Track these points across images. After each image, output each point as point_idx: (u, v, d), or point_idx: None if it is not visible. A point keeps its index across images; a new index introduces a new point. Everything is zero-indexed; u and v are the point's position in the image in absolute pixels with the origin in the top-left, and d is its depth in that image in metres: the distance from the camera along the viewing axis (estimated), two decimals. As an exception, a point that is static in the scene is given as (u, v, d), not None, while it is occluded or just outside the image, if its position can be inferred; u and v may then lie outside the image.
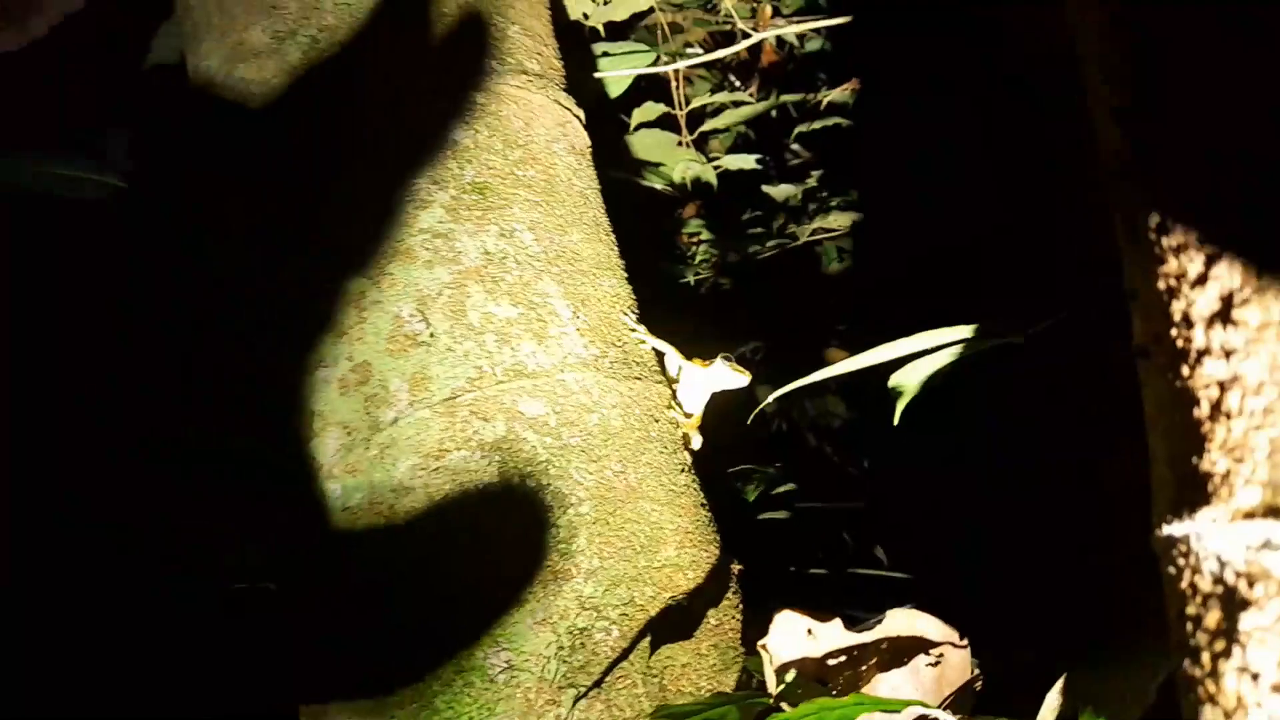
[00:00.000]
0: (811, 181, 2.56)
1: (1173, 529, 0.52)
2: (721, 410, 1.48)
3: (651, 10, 2.64)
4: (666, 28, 2.65)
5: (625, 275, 1.44)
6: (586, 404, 1.22)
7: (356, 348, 1.20)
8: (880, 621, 0.93)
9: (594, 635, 1.08)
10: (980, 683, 0.96)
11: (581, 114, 1.53)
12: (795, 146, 3.03)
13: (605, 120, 2.68)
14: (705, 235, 2.76)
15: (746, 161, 2.74)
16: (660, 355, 1.40)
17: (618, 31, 2.49)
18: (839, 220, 2.62)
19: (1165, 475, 0.54)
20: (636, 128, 2.63)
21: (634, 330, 1.36)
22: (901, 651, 0.91)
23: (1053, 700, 0.75)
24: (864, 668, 0.92)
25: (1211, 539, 0.49)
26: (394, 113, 1.30)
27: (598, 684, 1.05)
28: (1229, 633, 0.47)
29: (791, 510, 2.00)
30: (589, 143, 1.54)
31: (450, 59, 1.36)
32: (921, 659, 0.91)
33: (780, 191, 2.56)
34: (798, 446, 2.71)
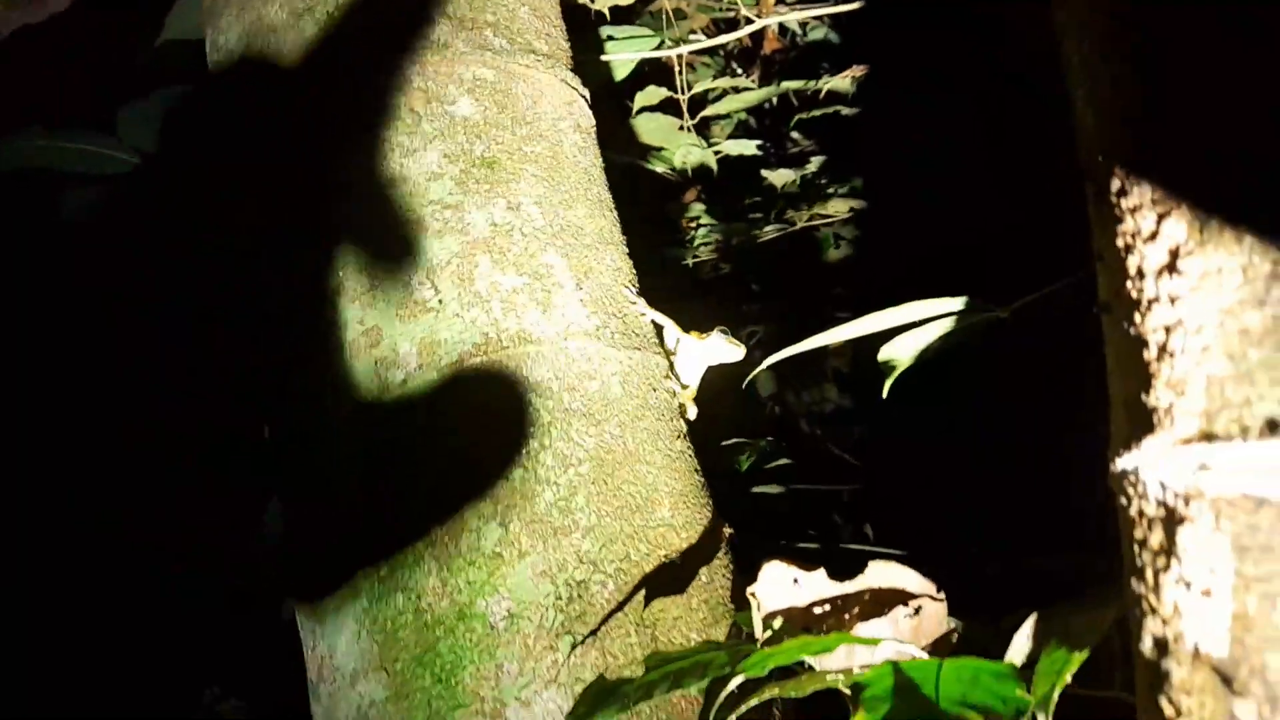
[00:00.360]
0: (811, 167, 2.61)
1: (1124, 462, 0.57)
2: (716, 387, 1.53)
3: (657, -4, 2.68)
4: (671, 13, 2.69)
5: (627, 251, 1.48)
6: (588, 371, 1.27)
7: (368, 313, 1.25)
8: (863, 573, 0.98)
9: (591, 588, 1.13)
10: (956, 635, 1.02)
11: (587, 94, 1.58)
12: (795, 135, 3.08)
13: (609, 103, 2.72)
14: (705, 219, 2.81)
15: (747, 147, 2.79)
16: (659, 328, 1.45)
17: (623, 16, 2.53)
18: (837, 207, 2.67)
19: (1120, 416, 0.59)
20: (639, 111, 2.67)
21: (634, 303, 1.41)
22: (882, 602, 0.96)
23: (1021, 641, 0.81)
24: (847, 616, 0.97)
25: (1155, 466, 0.54)
26: (408, 88, 1.34)
27: (594, 633, 1.10)
28: (1169, 550, 0.53)
29: (784, 484, 2.06)
30: (594, 122, 1.58)
31: (461, 38, 1.41)
32: (901, 610, 0.96)
33: (780, 176, 2.61)
34: (791, 432, 2.77)
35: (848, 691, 0.94)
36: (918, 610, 0.97)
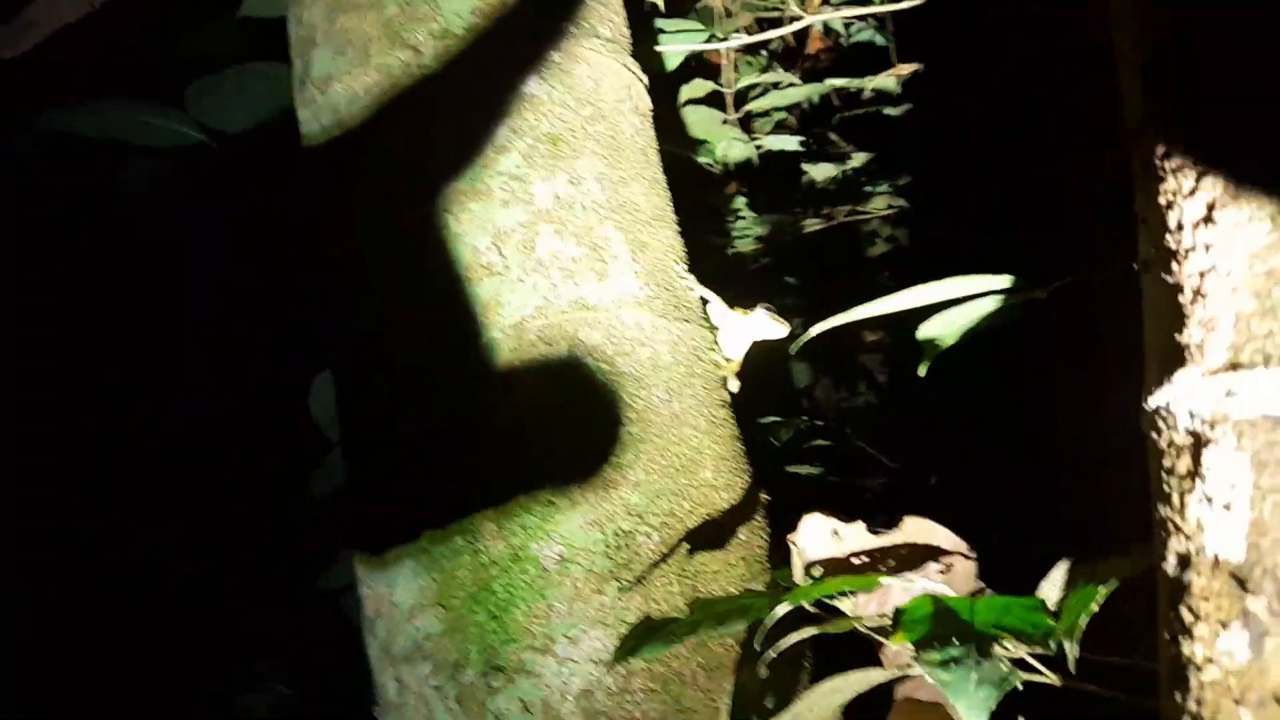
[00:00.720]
0: (855, 162, 2.66)
1: (1156, 399, 0.63)
2: (756, 368, 1.59)
3: (710, -10, 2.74)
4: (722, 8, 2.75)
5: (678, 229, 1.55)
6: (639, 338, 1.34)
7: (436, 274, 1.32)
8: (898, 528, 1.04)
9: (637, 539, 1.19)
10: (986, 594, 1.07)
11: (645, 79, 1.65)
12: (837, 136, 3.12)
13: (657, 95, 2.79)
14: (747, 212, 2.87)
15: (789, 143, 2.85)
16: (705, 303, 1.52)
17: (674, 8, 2.60)
18: (877, 205, 2.72)
19: (1154, 360, 0.65)
20: (685, 103, 2.74)
21: (684, 278, 1.48)
22: (917, 557, 1.02)
23: (1050, 586, 0.85)
24: (882, 568, 1.02)
25: (1186, 397, 0.60)
26: (480, 64, 1.41)
27: (639, 580, 1.17)
28: (1194, 472, 0.58)
29: (818, 465, 2.11)
30: (651, 106, 1.65)
31: (531, 19, 1.48)
32: (934, 565, 1.02)
33: (820, 171, 2.66)
34: (824, 425, 2.82)
35: (880, 638, 1.00)
36: (950, 566, 1.03)
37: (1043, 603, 0.80)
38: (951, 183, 2.64)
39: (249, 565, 2.70)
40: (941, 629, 0.75)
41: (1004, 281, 1.15)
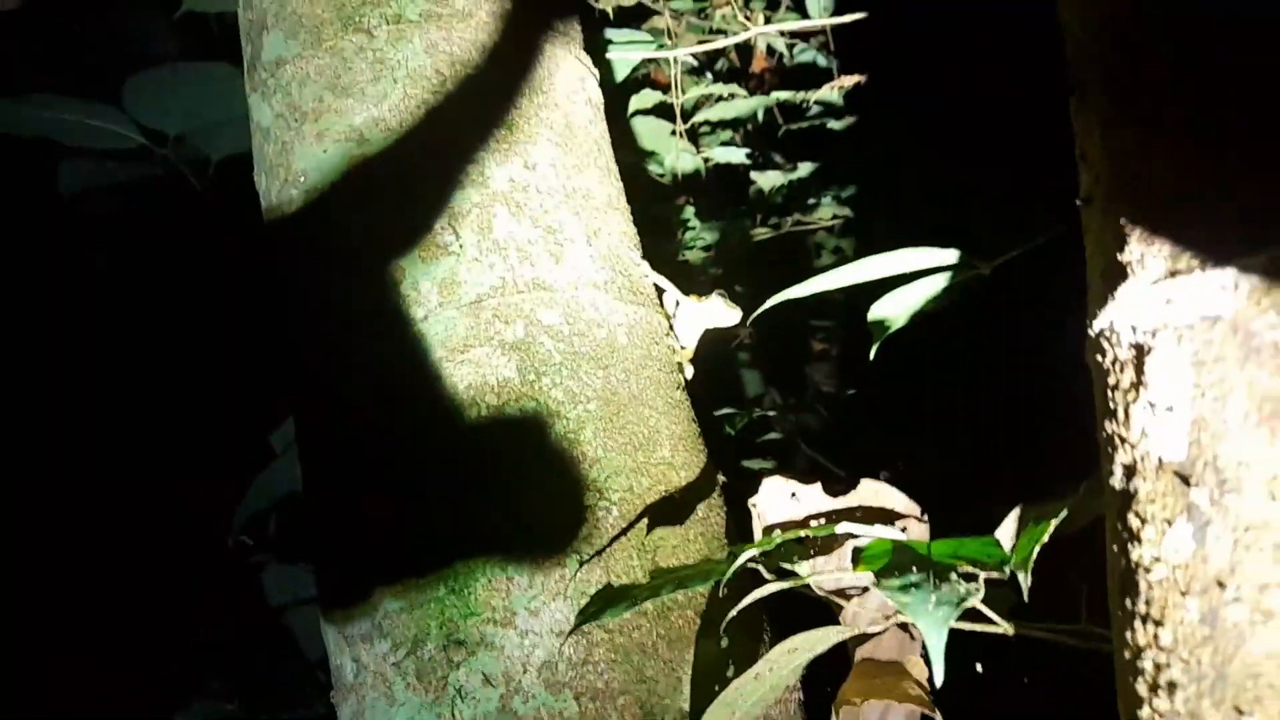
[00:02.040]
0: (802, 172, 2.72)
1: (1100, 319, 0.66)
2: (709, 378, 1.61)
3: (658, 10, 2.80)
4: (670, 26, 2.81)
5: (631, 218, 1.57)
6: (596, 319, 1.35)
7: (392, 255, 1.32)
8: (855, 490, 1.06)
9: (596, 513, 1.20)
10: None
11: (597, 73, 1.68)
12: (784, 150, 3.20)
13: (607, 105, 2.82)
14: (695, 222, 2.91)
15: (736, 155, 2.90)
16: (660, 290, 1.54)
17: (624, 19, 2.65)
18: (823, 214, 2.79)
19: (1096, 286, 0.68)
20: (633, 114, 2.78)
21: (638, 264, 1.49)
22: (872, 519, 1.04)
23: (1005, 531, 0.88)
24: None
25: (1129, 311, 0.63)
26: (433, 51, 1.42)
27: (599, 553, 1.16)
28: (1138, 382, 0.61)
29: (771, 460, 2.13)
30: (602, 99, 1.67)
31: (485, 9, 1.49)
32: (886, 529, 1.04)
33: (768, 180, 2.72)
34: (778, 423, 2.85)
35: (838, 600, 1.02)
36: (904, 530, 1.05)
37: (996, 540, 0.83)
38: (894, 191, 2.73)
39: (192, 581, 2.62)
40: (900, 560, 0.77)
41: (951, 256, 1.19)
